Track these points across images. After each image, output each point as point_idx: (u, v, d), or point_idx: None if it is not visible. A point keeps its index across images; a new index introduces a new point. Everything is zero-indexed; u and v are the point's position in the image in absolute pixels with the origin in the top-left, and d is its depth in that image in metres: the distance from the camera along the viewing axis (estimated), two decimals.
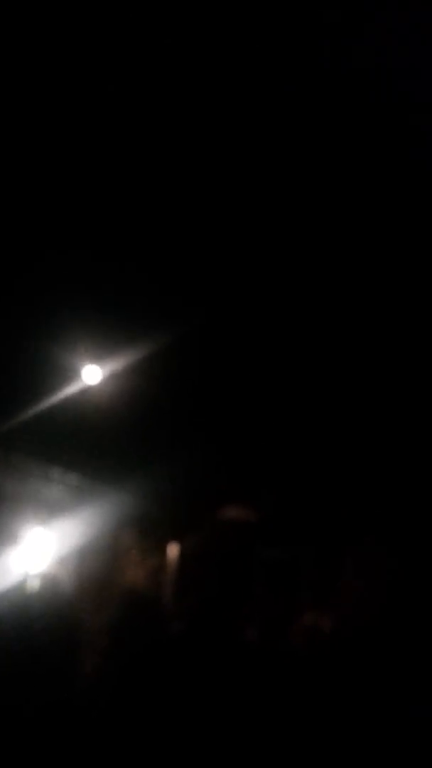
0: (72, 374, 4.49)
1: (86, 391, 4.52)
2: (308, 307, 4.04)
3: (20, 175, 3.54)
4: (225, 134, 3.30)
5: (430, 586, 3.06)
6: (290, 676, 2.49)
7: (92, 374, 4.49)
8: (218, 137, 3.33)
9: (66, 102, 3.20)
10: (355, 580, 3.15)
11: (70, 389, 4.51)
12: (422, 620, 2.84)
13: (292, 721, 2.38)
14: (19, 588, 2.95)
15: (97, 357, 4.45)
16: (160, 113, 3.26)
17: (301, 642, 2.74)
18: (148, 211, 3.68)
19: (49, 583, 3.16)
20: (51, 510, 4.64)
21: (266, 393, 4.41)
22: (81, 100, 3.19)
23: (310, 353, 4.23)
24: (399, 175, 3.41)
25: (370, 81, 2.99)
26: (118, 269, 3.98)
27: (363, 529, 3.75)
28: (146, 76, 3.07)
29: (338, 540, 3.67)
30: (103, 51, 3.00)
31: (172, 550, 4.32)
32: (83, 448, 4.94)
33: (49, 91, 3.15)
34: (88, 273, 4.03)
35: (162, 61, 3.03)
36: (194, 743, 2.20)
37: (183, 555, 4.12)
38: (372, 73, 2.96)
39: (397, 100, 3.05)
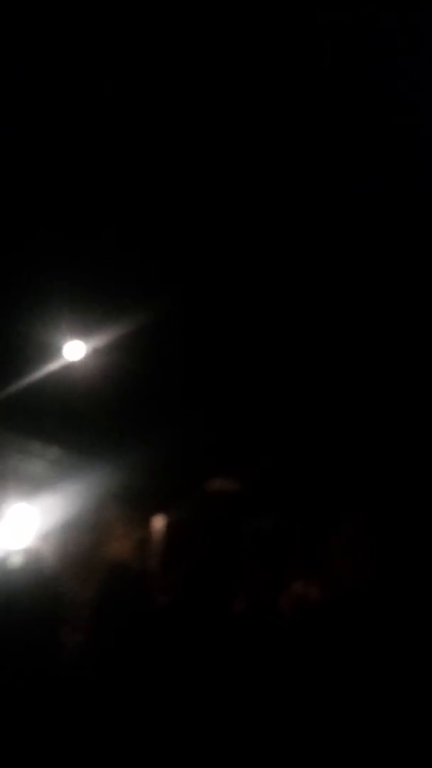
0: (54, 350, 4.45)
1: (68, 367, 4.49)
2: (295, 282, 4.02)
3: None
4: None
5: (422, 555, 3.04)
6: (279, 647, 2.46)
7: (74, 350, 4.45)
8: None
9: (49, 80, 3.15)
10: (345, 551, 3.13)
11: (52, 365, 4.48)
12: (413, 590, 2.82)
13: (282, 691, 2.35)
14: (2, 564, 2.89)
15: (79, 333, 4.42)
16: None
17: (290, 613, 2.71)
18: (133, 186, 3.64)
19: (33, 558, 3.10)
20: (33, 485, 4.59)
21: (253, 364, 4.39)
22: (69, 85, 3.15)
23: (296, 325, 4.21)
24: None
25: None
26: (102, 244, 3.94)
27: (353, 499, 3.73)
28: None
29: (327, 510, 3.65)
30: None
31: (158, 523, 4.29)
32: (66, 423, 4.89)
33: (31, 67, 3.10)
34: (71, 248, 3.98)
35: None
36: (182, 716, 2.16)
37: (169, 527, 4.09)
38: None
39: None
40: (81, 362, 4.56)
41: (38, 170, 3.63)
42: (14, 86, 3.12)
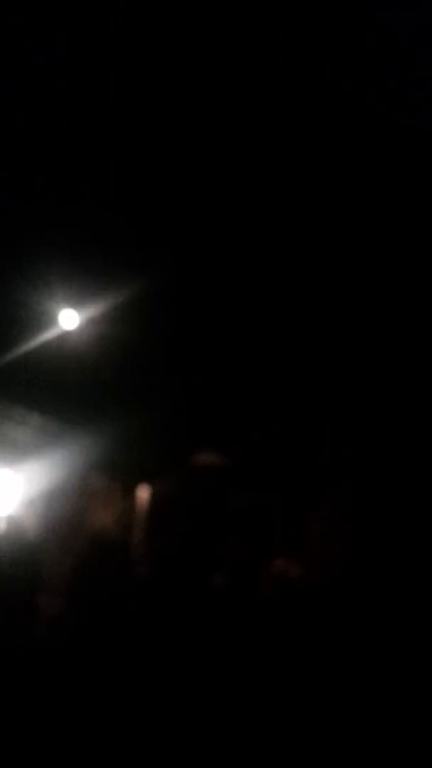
0: (44, 319, 4.43)
1: (58, 336, 4.47)
2: (288, 264, 4.01)
3: None
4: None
5: (403, 534, 3.04)
6: (258, 624, 2.45)
7: (66, 319, 4.43)
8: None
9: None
10: (327, 529, 3.12)
11: (42, 333, 4.45)
12: (393, 570, 2.82)
13: (258, 668, 2.34)
14: None
15: (71, 302, 4.39)
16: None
17: (270, 590, 2.70)
18: (131, 157, 3.61)
19: (14, 525, 3.09)
20: (18, 452, 4.57)
21: (244, 340, 4.38)
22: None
23: (287, 302, 4.19)
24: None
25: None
26: (100, 212, 3.91)
27: (336, 477, 3.73)
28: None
29: (311, 488, 3.65)
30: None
31: (141, 495, 4.27)
32: (53, 391, 4.87)
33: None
34: (67, 216, 3.95)
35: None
36: (158, 690, 2.15)
37: (152, 500, 4.07)
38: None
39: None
40: (71, 331, 4.53)
41: (35, 140, 3.58)
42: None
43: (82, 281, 4.35)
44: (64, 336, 4.54)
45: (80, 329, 4.53)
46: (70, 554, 2.83)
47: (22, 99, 3.37)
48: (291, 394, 4.35)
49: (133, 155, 3.66)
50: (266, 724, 2.19)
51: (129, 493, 4.30)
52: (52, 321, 4.47)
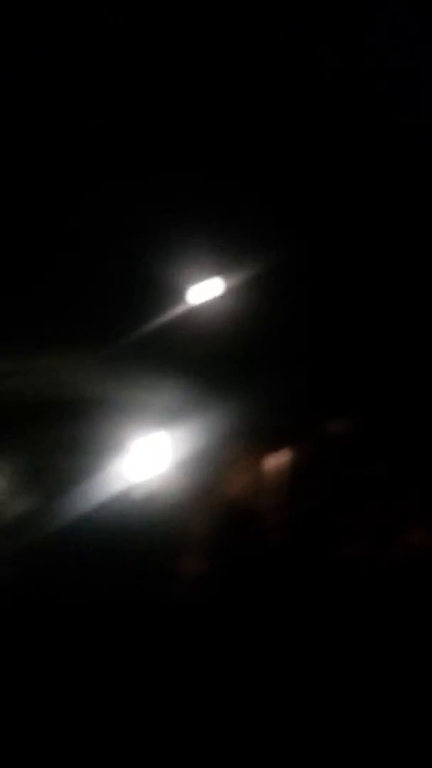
0: (184, 289, 4.53)
1: (197, 306, 4.56)
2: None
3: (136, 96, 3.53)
4: None
5: None
6: (388, 595, 2.47)
7: (204, 290, 4.51)
8: None
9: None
10: None
11: (181, 303, 4.56)
12: None
13: (386, 636, 2.37)
14: (125, 496, 3.05)
15: (209, 274, 4.47)
16: None
17: (402, 560, 2.70)
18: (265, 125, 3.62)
19: (154, 491, 3.24)
20: (158, 420, 4.73)
21: (379, 309, 4.31)
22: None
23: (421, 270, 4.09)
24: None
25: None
26: (232, 185, 3.94)
27: None
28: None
29: None
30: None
31: (275, 463, 4.35)
32: (191, 361, 4.99)
33: None
34: (203, 190, 4.00)
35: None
36: (286, 653, 2.23)
37: (286, 467, 4.13)
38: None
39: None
40: (210, 302, 4.62)
41: (170, 111, 3.66)
42: None
43: (226, 252, 4.40)
44: (209, 304, 4.63)
45: (223, 297, 4.62)
46: (207, 521, 2.94)
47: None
48: (421, 364, 4.26)
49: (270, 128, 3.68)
50: (401, 692, 2.22)
51: (262, 460, 4.38)
52: (198, 289, 4.56)
